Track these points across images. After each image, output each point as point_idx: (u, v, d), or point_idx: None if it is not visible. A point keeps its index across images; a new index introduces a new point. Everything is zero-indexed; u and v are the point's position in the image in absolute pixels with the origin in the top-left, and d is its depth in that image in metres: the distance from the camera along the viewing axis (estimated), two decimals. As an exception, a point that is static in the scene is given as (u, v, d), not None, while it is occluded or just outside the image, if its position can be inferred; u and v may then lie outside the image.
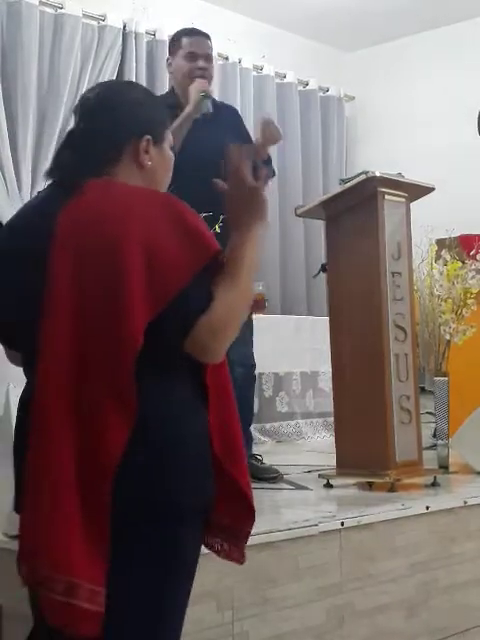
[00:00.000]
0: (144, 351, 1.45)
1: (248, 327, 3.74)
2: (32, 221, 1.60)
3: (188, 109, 3.35)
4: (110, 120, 1.65)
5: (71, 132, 1.71)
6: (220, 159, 3.60)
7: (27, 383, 1.61)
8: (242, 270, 1.55)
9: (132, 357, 1.44)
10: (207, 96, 3.40)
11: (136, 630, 1.51)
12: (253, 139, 3.53)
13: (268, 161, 3.58)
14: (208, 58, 3.52)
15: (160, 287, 1.46)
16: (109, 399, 1.45)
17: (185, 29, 3.61)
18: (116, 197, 1.54)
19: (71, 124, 1.78)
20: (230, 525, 1.66)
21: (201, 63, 3.48)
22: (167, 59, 3.64)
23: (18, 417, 1.62)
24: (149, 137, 1.65)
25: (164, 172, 1.70)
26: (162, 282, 1.46)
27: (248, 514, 1.66)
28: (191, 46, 3.51)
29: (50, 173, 1.67)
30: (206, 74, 3.49)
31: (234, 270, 1.54)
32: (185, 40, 3.52)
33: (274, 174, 3.74)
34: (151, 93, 1.81)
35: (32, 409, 1.48)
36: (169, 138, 1.72)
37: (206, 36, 3.56)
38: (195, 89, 3.39)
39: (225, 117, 3.58)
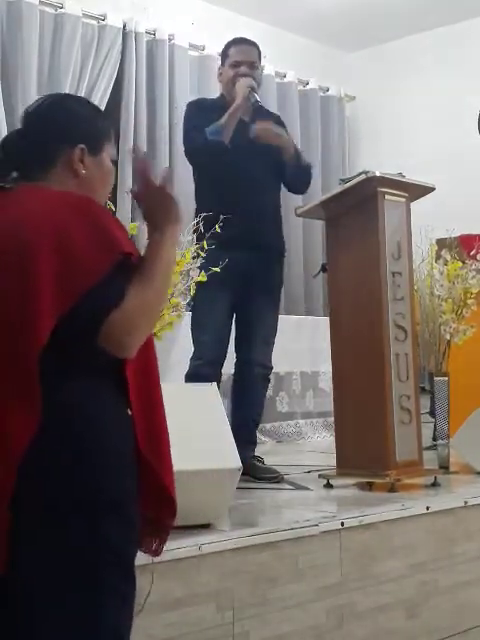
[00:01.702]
0: (59, 349, 1.51)
1: (273, 329, 3.77)
2: None
3: (236, 104, 3.65)
4: (43, 127, 1.72)
5: (5, 137, 1.79)
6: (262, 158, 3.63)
7: None
8: (156, 269, 1.60)
9: (35, 352, 1.49)
10: (254, 90, 3.71)
11: (58, 622, 1.51)
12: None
13: (298, 156, 3.80)
14: (252, 65, 3.80)
15: (70, 284, 1.51)
16: (12, 397, 1.49)
17: (233, 39, 3.90)
18: (35, 200, 1.60)
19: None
20: (153, 518, 1.69)
21: (243, 69, 3.76)
22: (219, 69, 3.93)
23: None
24: (83, 146, 1.70)
25: (101, 182, 1.75)
26: (72, 279, 1.51)
27: (170, 507, 1.69)
28: (236, 55, 3.81)
29: None
30: (241, 79, 3.74)
31: (148, 269, 1.59)
32: (231, 50, 3.84)
33: (305, 166, 3.90)
34: (96, 107, 1.86)
35: None
36: (110, 151, 1.77)
37: (252, 44, 3.86)
38: (242, 85, 3.69)
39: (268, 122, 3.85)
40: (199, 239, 3.25)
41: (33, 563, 1.49)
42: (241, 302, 3.69)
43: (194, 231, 3.21)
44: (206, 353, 3.64)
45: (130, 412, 1.63)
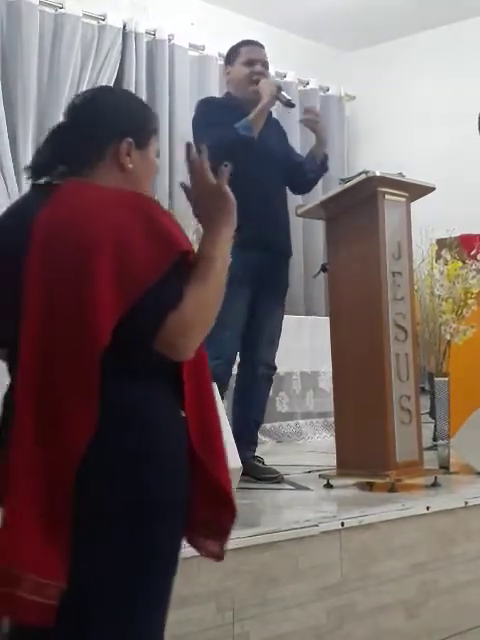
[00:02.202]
0: (116, 351, 1.48)
1: (278, 329, 3.78)
2: (13, 222, 1.64)
3: (264, 101, 3.65)
4: (91, 121, 1.68)
5: (53, 130, 1.73)
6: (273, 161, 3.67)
7: (10, 381, 1.63)
8: (212, 268, 1.57)
9: (96, 355, 1.46)
10: (281, 88, 3.76)
11: (110, 624, 1.51)
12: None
13: (325, 157, 3.87)
14: (265, 64, 3.83)
15: (128, 286, 1.48)
16: (72, 397, 1.47)
17: (243, 40, 3.91)
18: (89, 198, 1.56)
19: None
20: (210, 521, 1.67)
21: (258, 68, 3.78)
22: (226, 68, 3.93)
23: (2, 416, 1.63)
24: (131, 140, 1.67)
25: (146, 177, 1.72)
26: (130, 281, 1.48)
27: (228, 510, 1.67)
28: (249, 53, 3.82)
29: (28, 169, 1.70)
30: (263, 78, 3.76)
31: (204, 268, 1.56)
32: (243, 49, 3.84)
33: (327, 169, 3.97)
34: (140, 100, 1.83)
35: (14, 408, 1.50)
36: (155, 146, 1.74)
37: (262, 46, 3.88)
38: (269, 83, 3.73)
39: (275, 128, 3.92)
40: None
41: (85, 566, 1.48)
42: (252, 301, 3.69)
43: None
44: (225, 352, 3.59)
45: (183, 414, 1.60)
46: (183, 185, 1.66)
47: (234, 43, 3.91)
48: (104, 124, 1.68)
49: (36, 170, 1.69)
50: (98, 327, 1.46)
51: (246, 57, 3.79)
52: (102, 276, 1.47)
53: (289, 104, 3.78)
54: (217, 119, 3.63)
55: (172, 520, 1.56)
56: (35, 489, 1.45)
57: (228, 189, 1.63)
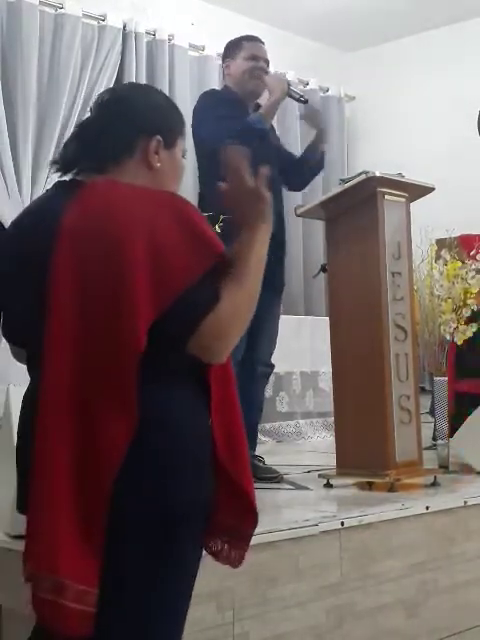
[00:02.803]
0: (148, 353, 1.45)
1: (276, 327, 3.78)
2: (38, 220, 1.60)
3: (276, 96, 3.64)
4: (121, 116, 1.65)
5: (81, 124, 1.70)
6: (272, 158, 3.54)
7: (31, 382, 1.61)
8: (248, 270, 1.55)
9: (134, 359, 1.44)
10: (290, 84, 3.73)
11: (132, 630, 1.51)
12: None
13: (322, 155, 3.89)
14: (267, 62, 3.79)
15: (165, 288, 1.45)
16: (110, 401, 1.44)
17: (245, 36, 3.86)
18: (120, 198, 1.52)
19: (72, 124, 1.78)
20: (232, 526, 1.65)
21: (260, 64, 3.74)
22: (225, 62, 3.84)
23: (22, 416, 1.61)
24: (160, 138, 1.65)
25: (173, 176, 1.70)
26: (167, 283, 1.45)
27: (250, 515, 1.66)
28: (252, 49, 3.77)
29: (54, 163, 1.67)
30: (264, 74, 3.73)
31: (240, 270, 1.54)
32: (246, 44, 3.79)
33: (323, 167, 4.02)
34: (170, 100, 1.80)
35: (37, 409, 1.48)
36: (182, 146, 1.71)
37: (263, 42, 3.83)
38: (278, 80, 3.72)
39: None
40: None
41: (115, 571, 1.47)
42: None
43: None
44: (236, 353, 3.59)
45: (210, 420, 1.59)
46: (221, 187, 1.63)
47: (234, 38, 3.85)
48: (135, 120, 1.65)
49: (63, 164, 1.65)
50: (136, 332, 1.43)
51: (249, 52, 3.74)
52: (138, 278, 1.44)
53: (302, 100, 3.77)
54: (225, 112, 3.59)
55: (196, 525, 1.56)
56: (71, 494, 1.43)
57: (265, 190, 1.61)
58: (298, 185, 4.03)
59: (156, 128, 1.65)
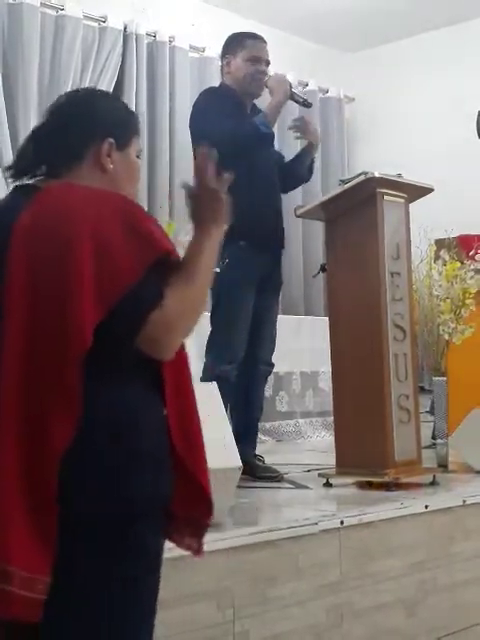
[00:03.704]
0: (97, 350, 1.49)
1: (275, 326, 3.79)
2: None
3: (279, 98, 3.62)
4: (73, 120, 1.69)
5: (35, 130, 1.74)
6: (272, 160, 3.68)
7: None
8: (197, 269, 1.58)
9: (79, 356, 1.47)
10: (292, 87, 3.70)
11: (98, 624, 1.52)
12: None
13: (312, 162, 3.86)
14: (268, 63, 3.75)
15: (110, 286, 1.49)
16: (54, 397, 1.48)
17: (247, 33, 3.81)
18: (70, 199, 1.57)
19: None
20: (189, 517, 1.69)
21: (263, 67, 3.70)
22: (225, 57, 3.78)
23: None
24: (112, 141, 1.68)
25: (127, 177, 1.73)
26: (112, 281, 1.49)
27: (206, 507, 1.69)
28: (254, 50, 3.71)
29: (8, 169, 1.71)
30: (265, 78, 3.70)
31: (189, 268, 1.58)
32: (249, 42, 3.73)
33: (311, 174, 3.97)
34: (123, 102, 1.84)
35: None
36: (136, 146, 1.75)
37: (265, 41, 3.78)
38: (280, 82, 3.65)
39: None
40: (227, 240, 3.29)
41: (67, 567, 1.49)
42: (254, 300, 3.69)
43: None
44: (237, 355, 3.58)
45: (165, 412, 1.62)
46: (184, 183, 1.67)
47: (236, 32, 3.81)
48: (86, 123, 1.69)
49: (18, 170, 1.69)
50: (80, 329, 1.47)
51: (251, 54, 3.69)
52: (82, 277, 1.48)
53: (306, 104, 3.75)
54: (227, 111, 3.58)
55: (155, 518, 1.57)
56: (20, 488, 1.47)
57: (224, 194, 1.65)
58: (284, 189, 3.96)
59: (108, 131, 1.69)
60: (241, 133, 3.52)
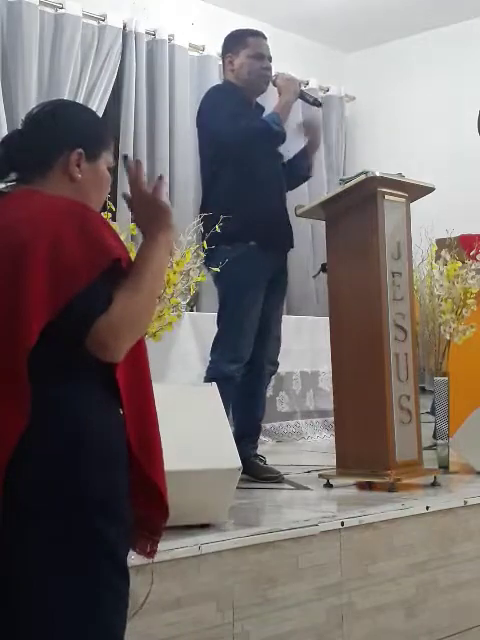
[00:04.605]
0: (47, 351, 1.54)
1: (281, 325, 3.79)
2: None
3: (288, 97, 3.62)
4: (44, 130, 1.74)
5: (7, 137, 1.79)
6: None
7: None
8: (145, 274, 1.61)
9: (23, 355, 1.51)
10: (300, 85, 3.70)
11: (64, 622, 1.52)
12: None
13: (310, 165, 3.86)
14: (270, 59, 3.75)
15: (60, 289, 1.53)
16: (1, 396, 1.52)
17: (248, 30, 3.81)
18: (30, 205, 1.62)
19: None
20: (144, 519, 1.70)
21: (267, 63, 3.71)
22: (227, 56, 3.76)
23: None
24: (81, 151, 1.72)
25: (95, 188, 1.77)
26: (62, 284, 1.54)
27: (161, 509, 1.71)
28: (258, 47, 3.71)
29: None
30: (270, 74, 3.71)
31: (137, 274, 1.61)
32: (251, 39, 3.72)
33: (310, 176, 4.00)
34: (96, 114, 1.89)
35: None
36: (107, 159, 1.79)
37: (266, 37, 3.78)
38: (290, 82, 3.65)
39: None
40: (231, 239, 3.28)
41: (25, 561, 1.51)
42: (263, 301, 3.67)
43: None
44: (243, 356, 3.57)
45: (122, 412, 1.64)
46: (124, 195, 1.75)
47: (237, 29, 3.80)
48: (57, 134, 1.73)
49: None
50: (26, 327, 1.52)
51: (254, 51, 3.68)
52: (32, 278, 1.52)
53: (316, 103, 3.74)
54: (237, 110, 3.56)
55: (109, 514, 1.57)
56: None
57: (162, 199, 1.71)
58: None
59: (78, 142, 1.73)
60: (254, 131, 3.52)
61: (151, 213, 1.69)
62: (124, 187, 1.79)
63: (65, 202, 1.64)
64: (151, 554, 1.76)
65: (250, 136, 3.49)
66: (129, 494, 1.63)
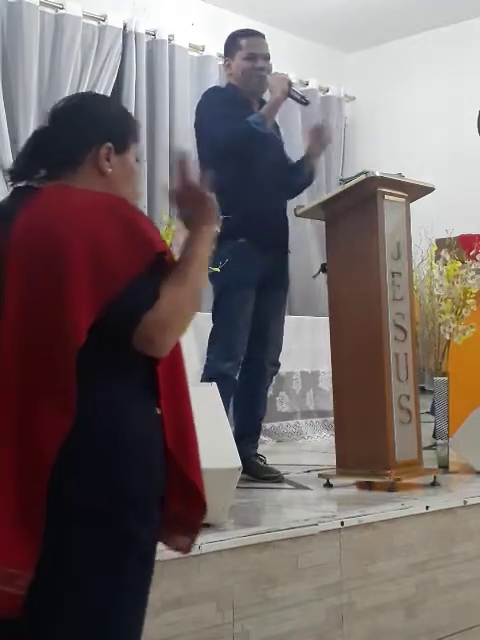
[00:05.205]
0: (92, 349, 1.51)
1: (282, 326, 3.79)
2: None
3: (276, 96, 3.60)
4: (72, 124, 1.73)
5: (34, 134, 1.77)
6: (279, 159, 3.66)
7: None
8: (190, 268, 1.61)
9: (72, 356, 1.49)
10: (291, 84, 3.65)
11: (90, 622, 1.52)
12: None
13: (312, 169, 3.83)
14: (266, 58, 3.73)
15: (104, 285, 1.51)
16: (48, 397, 1.50)
17: (241, 30, 3.80)
18: (66, 202, 1.60)
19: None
20: (180, 516, 1.70)
21: (260, 63, 3.69)
22: (226, 59, 3.80)
23: None
24: (110, 145, 1.71)
25: (124, 182, 1.75)
26: (107, 280, 1.52)
27: (198, 505, 1.70)
28: (250, 47, 3.71)
29: (9, 173, 1.74)
30: (265, 73, 3.69)
31: (183, 268, 1.61)
32: (243, 41, 3.72)
33: (312, 180, 3.96)
34: (123, 107, 1.88)
35: None
36: (135, 151, 1.78)
37: (262, 36, 3.76)
38: (281, 79, 3.63)
39: (274, 128, 3.83)
40: (221, 237, 3.27)
41: (55, 559, 1.50)
42: (259, 300, 3.67)
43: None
44: (238, 354, 3.58)
45: (159, 411, 1.63)
46: (168, 188, 1.72)
47: (232, 32, 3.80)
48: (84, 128, 1.72)
49: (17, 173, 1.73)
50: (74, 326, 1.50)
51: (247, 52, 3.69)
52: (77, 276, 1.50)
53: (303, 101, 3.73)
54: (229, 111, 3.58)
55: (148, 517, 1.58)
56: (8, 485, 1.48)
57: (209, 194, 1.69)
58: (289, 193, 3.94)
59: (107, 135, 1.72)
60: (234, 133, 3.52)
61: (197, 206, 1.67)
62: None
63: (102, 197, 1.62)
64: (187, 550, 1.75)
65: (235, 138, 3.51)
66: (165, 493, 1.62)
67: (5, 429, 1.50)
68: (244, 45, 3.71)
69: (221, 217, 3.35)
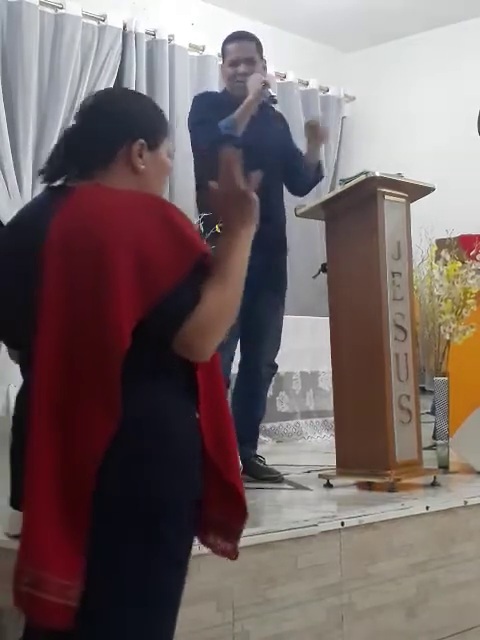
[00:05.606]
0: (133, 352, 1.48)
1: (280, 327, 3.79)
2: (29, 224, 1.64)
3: (249, 98, 3.60)
4: (104, 122, 1.70)
5: (65, 132, 1.74)
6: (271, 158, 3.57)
7: (23, 382, 1.64)
8: (230, 271, 1.59)
9: (118, 360, 1.47)
10: (267, 85, 3.67)
11: (125, 625, 1.52)
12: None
13: (319, 165, 3.84)
14: (249, 61, 3.73)
15: (147, 289, 1.49)
16: (92, 400, 1.48)
17: (230, 35, 3.83)
18: (104, 202, 1.57)
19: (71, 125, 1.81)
20: (222, 522, 1.69)
21: (241, 69, 3.71)
22: (221, 66, 3.91)
23: (15, 416, 1.64)
24: (143, 141, 1.68)
25: (157, 178, 1.73)
26: (149, 284, 1.49)
27: (240, 511, 1.69)
28: (233, 53, 3.75)
29: (41, 173, 1.71)
30: (245, 78, 3.68)
31: (222, 271, 1.58)
32: (228, 47, 3.77)
33: (322, 177, 3.98)
34: (152, 102, 1.84)
35: (29, 410, 1.51)
36: (168, 146, 1.75)
37: (249, 39, 3.77)
38: (254, 80, 3.63)
39: (276, 123, 3.89)
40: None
41: (100, 565, 1.49)
42: (252, 301, 3.66)
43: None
44: (231, 354, 3.59)
45: (197, 415, 1.62)
46: (210, 187, 1.66)
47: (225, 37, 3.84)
48: (117, 125, 1.69)
49: (49, 174, 1.70)
50: (120, 329, 1.47)
51: (230, 58, 3.73)
52: (122, 279, 1.48)
53: (272, 100, 3.73)
54: (206, 116, 3.62)
55: (183, 520, 1.57)
56: (54, 491, 1.47)
57: (253, 194, 1.64)
58: (298, 191, 3.96)
59: (138, 131, 1.69)
60: (211, 138, 3.53)
61: (240, 207, 1.63)
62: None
63: (140, 197, 1.59)
64: (234, 556, 1.75)
65: (209, 142, 3.51)
66: (202, 498, 1.61)
67: (51, 432, 1.48)
68: (228, 51, 3.76)
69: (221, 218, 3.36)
